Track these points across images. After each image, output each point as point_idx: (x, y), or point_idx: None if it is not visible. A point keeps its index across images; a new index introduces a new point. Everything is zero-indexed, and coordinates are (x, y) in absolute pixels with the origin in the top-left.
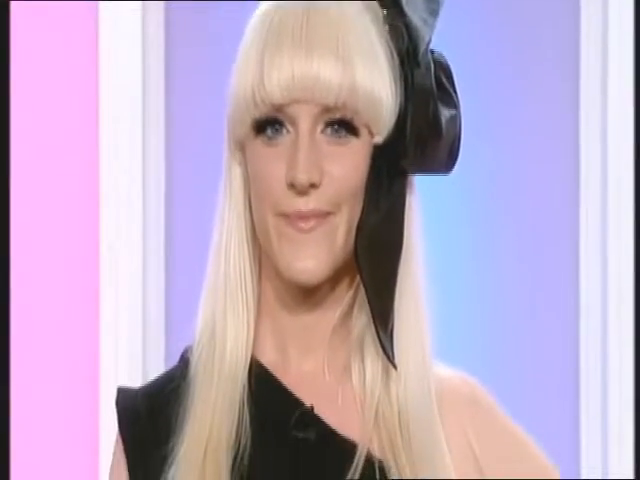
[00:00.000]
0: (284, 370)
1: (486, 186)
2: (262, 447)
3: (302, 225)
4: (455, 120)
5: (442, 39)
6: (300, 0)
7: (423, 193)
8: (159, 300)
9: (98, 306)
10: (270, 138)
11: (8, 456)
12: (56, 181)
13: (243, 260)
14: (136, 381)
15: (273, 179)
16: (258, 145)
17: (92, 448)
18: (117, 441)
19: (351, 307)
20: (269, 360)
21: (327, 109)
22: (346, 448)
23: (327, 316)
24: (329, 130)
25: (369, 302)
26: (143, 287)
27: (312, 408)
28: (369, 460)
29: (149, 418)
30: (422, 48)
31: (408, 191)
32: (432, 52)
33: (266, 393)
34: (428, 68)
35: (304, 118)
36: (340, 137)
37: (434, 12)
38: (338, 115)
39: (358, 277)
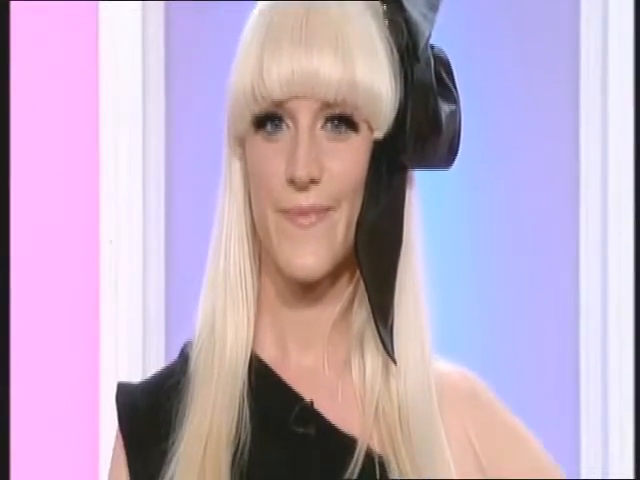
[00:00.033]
0: (284, 366)
1: (486, 185)
2: (262, 443)
3: (302, 221)
4: (455, 115)
5: (442, 38)
6: None
7: (423, 189)
8: (159, 298)
9: (98, 304)
10: (270, 134)
11: (8, 456)
12: (56, 180)
13: (243, 256)
14: (136, 379)
15: (273, 175)
16: (258, 141)
17: (92, 448)
18: (117, 437)
19: (351, 302)
20: (269, 356)
21: (327, 105)
22: (346, 443)
23: (327, 311)
24: (329, 126)
25: (369, 297)
26: (143, 285)
27: (312, 403)
28: (369, 455)
29: (149, 414)
30: (422, 43)
31: (408, 186)
32: (432, 47)
33: (266, 389)
34: (428, 63)
35: (304, 114)
36: (340, 133)
37: (434, 7)
38: (338, 111)
39: (358, 272)
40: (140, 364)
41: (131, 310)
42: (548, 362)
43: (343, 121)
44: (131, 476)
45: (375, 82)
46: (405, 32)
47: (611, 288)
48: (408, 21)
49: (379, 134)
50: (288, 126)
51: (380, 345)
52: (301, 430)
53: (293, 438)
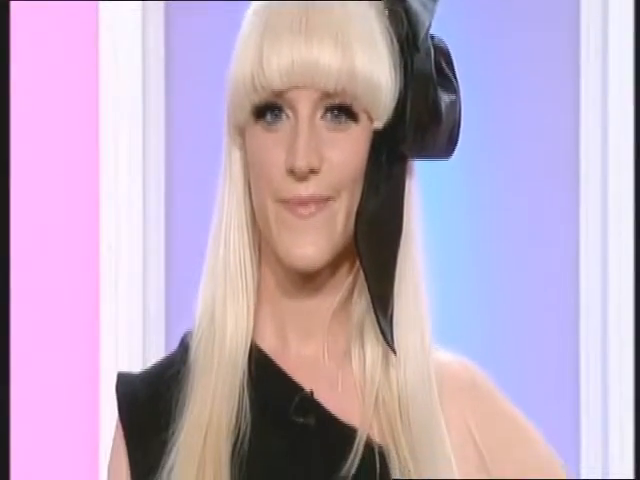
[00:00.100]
0: (284, 356)
1: (486, 175)
2: (262, 432)
3: (302, 211)
4: (455, 105)
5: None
6: None
7: (423, 178)
8: (159, 299)
9: (98, 306)
10: (270, 123)
11: (8, 456)
12: (56, 181)
13: (243, 245)
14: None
15: (272, 165)
16: (258, 130)
17: (92, 448)
18: (117, 427)
19: (351, 292)
20: (269, 345)
21: (327, 94)
22: (346, 433)
23: (327, 301)
24: (329, 116)
25: (369, 287)
26: (143, 287)
27: (312, 393)
28: (369, 445)
29: (149, 403)
30: (422, 33)
31: (408, 176)
32: (432, 37)
33: (266, 378)
34: (428, 53)
35: (304, 103)
36: (340, 123)
37: None
38: (337, 101)
39: (358, 262)
40: (140, 364)
41: (131, 310)
42: (548, 362)
43: (343, 111)
44: (131, 466)
45: (375, 72)
46: (405, 22)
47: (611, 288)
48: (408, 11)
49: (379, 124)
50: (288, 116)
51: (380, 335)
52: (301, 420)
53: (293, 428)
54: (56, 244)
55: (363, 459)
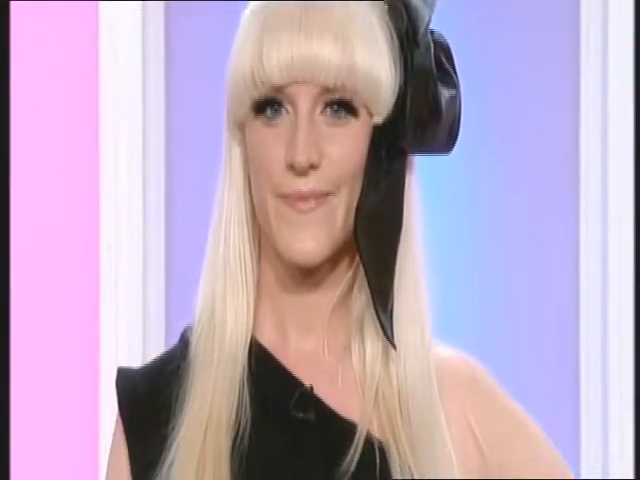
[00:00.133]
0: (284, 351)
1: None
2: (262, 427)
3: (301, 206)
4: (455, 100)
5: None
6: None
7: (423, 174)
8: (159, 299)
9: (98, 306)
10: (269, 118)
11: (8, 456)
12: (56, 181)
13: (242, 240)
14: None
15: (272, 160)
16: (257, 126)
17: (92, 448)
18: (117, 422)
19: (351, 287)
20: (269, 341)
21: (326, 90)
22: (346, 428)
23: (327, 296)
24: (328, 111)
25: (368, 282)
26: (143, 287)
27: (312, 388)
28: (369, 440)
29: (149, 398)
30: (422, 28)
31: (408, 171)
32: (432, 32)
33: (266, 374)
34: (428, 48)
35: (303, 99)
36: (339, 118)
37: None
38: (337, 96)
39: (357, 257)
40: (140, 364)
41: (131, 310)
42: (548, 362)
43: (342, 106)
44: (131, 461)
45: (375, 67)
46: (405, 17)
47: (611, 288)
48: (408, 6)
49: (379, 119)
50: (287, 111)
51: (380, 330)
52: (301, 415)
53: (293, 423)
54: (56, 244)
55: (363, 454)
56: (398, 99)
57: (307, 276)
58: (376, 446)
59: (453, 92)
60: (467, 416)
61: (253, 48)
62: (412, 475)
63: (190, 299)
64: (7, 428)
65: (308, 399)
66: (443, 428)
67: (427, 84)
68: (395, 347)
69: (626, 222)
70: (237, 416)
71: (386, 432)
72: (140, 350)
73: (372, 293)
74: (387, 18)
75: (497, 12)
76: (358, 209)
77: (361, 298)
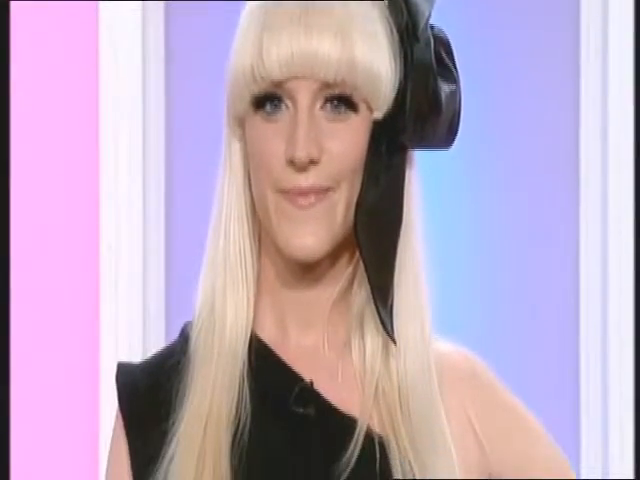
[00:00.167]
0: (284, 346)
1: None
2: (262, 423)
3: (301, 202)
4: (455, 95)
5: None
6: None
7: (423, 169)
8: (159, 299)
9: (98, 306)
10: (269, 114)
11: (8, 456)
12: (56, 181)
13: (242, 235)
14: None
15: (272, 156)
16: (257, 121)
17: (92, 448)
18: (117, 417)
19: (351, 283)
20: (269, 336)
21: (326, 85)
22: (346, 423)
23: (327, 292)
24: (328, 106)
25: (368, 278)
26: (143, 287)
27: (312, 384)
28: (369, 435)
29: (149, 393)
30: (422, 23)
31: (408, 166)
32: (432, 27)
33: (266, 369)
34: (428, 43)
35: (303, 94)
36: (339, 113)
37: None
38: (337, 91)
39: (357, 253)
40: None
41: (131, 310)
42: (548, 362)
43: (342, 101)
44: (131, 456)
45: (374, 62)
46: (405, 12)
47: (611, 288)
48: (408, 1)
49: (379, 114)
50: (287, 106)
51: (380, 325)
52: (301, 410)
53: (293, 418)
54: (56, 244)
55: (363, 449)
56: (398, 94)
57: (307, 272)
58: (376, 441)
59: (453, 87)
60: (467, 411)
61: (253, 44)
62: (412, 470)
63: (190, 299)
64: (7, 428)
65: (308, 394)
66: (443, 423)
67: (427, 79)
68: (395, 342)
69: (626, 222)
70: (237, 411)
71: (386, 427)
72: (140, 350)
73: (372, 289)
74: (387, 13)
75: (497, 7)
76: (358, 204)
77: (361, 294)
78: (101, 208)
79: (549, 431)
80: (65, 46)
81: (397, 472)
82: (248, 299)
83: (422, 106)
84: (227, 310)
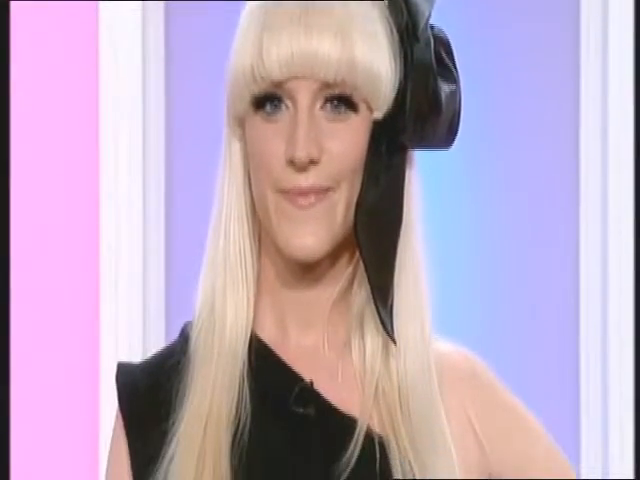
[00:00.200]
0: (284, 346)
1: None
2: (262, 423)
3: (301, 201)
4: (455, 95)
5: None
6: None
7: (423, 169)
8: (159, 299)
9: (98, 306)
10: (269, 114)
11: (8, 456)
12: (56, 181)
13: (242, 235)
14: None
15: (272, 156)
16: (257, 121)
17: (92, 449)
18: (117, 416)
19: (351, 283)
20: (269, 336)
21: (326, 85)
22: (346, 423)
23: (327, 292)
24: (328, 106)
25: (368, 278)
26: (143, 287)
27: (312, 383)
28: (369, 435)
29: (149, 393)
30: (422, 23)
31: (408, 166)
32: (432, 27)
33: (266, 369)
34: (428, 43)
35: (303, 94)
36: (339, 113)
37: None
38: (337, 91)
39: (358, 253)
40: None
41: (131, 310)
42: (548, 362)
43: (342, 101)
44: (131, 456)
45: (374, 62)
46: (405, 12)
47: (611, 288)
48: (408, 1)
49: (379, 114)
50: (287, 106)
51: (380, 326)
52: (301, 410)
53: (293, 418)
54: (56, 244)
55: (363, 449)
56: (398, 94)
57: (307, 272)
58: (376, 441)
59: (453, 87)
60: (467, 411)
61: (253, 44)
62: (412, 469)
63: (190, 299)
64: (7, 428)
65: (308, 394)
66: (443, 423)
67: (427, 79)
68: (395, 342)
69: (626, 222)
70: (237, 411)
71: (386, 427)
72: (140, 350)
73: (372, 289)
74: (387, 13)
75: (497, 7)
76: (358, 204)
77: (361, 294)
78: (101, 208)
79: (549, 431)
80: (65, 46)
81: (397, 472)
82: (248, 299)
83: (422, 106)
84: (227, 310)
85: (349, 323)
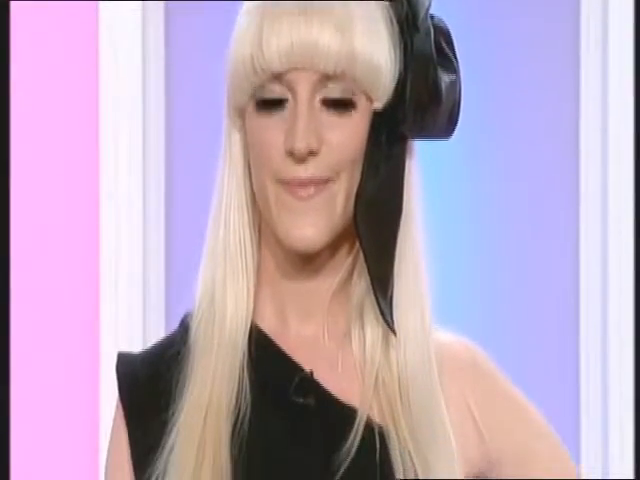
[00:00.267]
0: (284, 336)
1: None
2: (262, 413)
3: (301, 193)
4: (455, 85)
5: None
6: None
7: (423, 159)
8: (159, 300)
9: (98, 306)
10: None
11: (8, 456)
12: (56, 181)
13: (242, 225)
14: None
15: (272, 147)
16: (257, 112)
17: (91, 449)
18: (117, 407)
19: (350, 273)
20: (269, 326)
21: (326, 77)
22: (346, 414)
23: (326, 282)
24: (328, 104)
25: (368, 269)
26: (143, 287)
27: (312, 374)
28: (369, 425)
29: (149, 383)
30: (422, 13)
31: (408, 156)
32: (432, 17)
33: (266, 359)
34: (428, 33)
35: (303, 85)
36: (338, 111)
37: None
38: (337, 93)
39: (357, 243)
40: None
41: (131, 310)
42: (548, 362)
43: (342, 103)
44: (131, 445)
45: (374, 54)
46: (405, 2)
47: (611, 288)
48: None
49: (378, 105)
50: (287, 99)
51: (380, 316)
52: (301, 400)
53: (293, 408)
54: (56, 244)
55: (363, 439)
56: (398, 84)
57: (307, 262)
58: (376, 431)
59: (453, 77)
60: (467, 399)
61: (253, 35)
62: (412, 460)
63: (190, 298)
64: (7, 427)
65: (308, 384)
66: (443, 413)
67: (427, 69)
68: (395, 333)
69: (626, 222)
70: (237, 402)
71: (386, 417)
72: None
73: (372, 279)
74: (387, 3)
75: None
76: (358, 195)
77: (361, 284)
78: (101, 208)
79: None
80: (65, 46)
81: (397, 462)
82: (248, 289)
83: (422, 96)
84: (227, 300)
85: (349, 313)
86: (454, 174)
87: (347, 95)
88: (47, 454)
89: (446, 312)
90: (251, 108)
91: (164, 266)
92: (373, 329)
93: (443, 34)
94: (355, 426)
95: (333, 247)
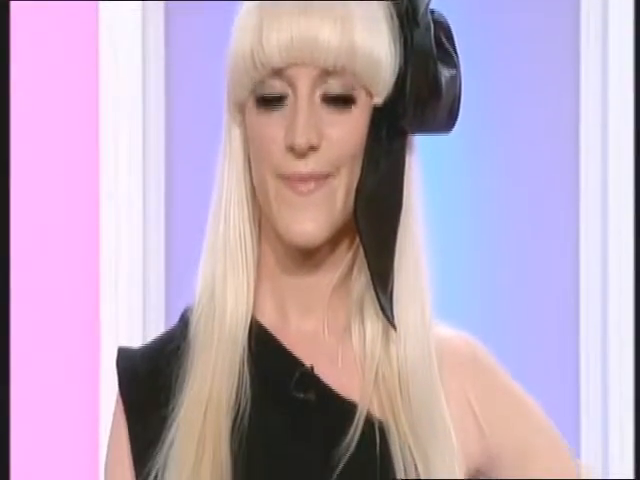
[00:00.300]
0: (284, 331)
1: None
2: (262, 408)
3: (301, 188)
4: (455, 80)
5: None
6: None
7: (423, 153)
8: (159, 299)
9: (98, 306)
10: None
11: (8, 456)
12: (56, 181)
13: (242, 220)
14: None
15: (272, 142)
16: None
17: (91, 449)
18: (117, 401)
19: (350, 268)
20: (269, 321)
21: (326, 72)
22: (346, 408)
23: (327, 277)
24: (328, 100)
25: (368, 264)
26: (143, 287)
27: (312, 368)
28: (369, 420)
29: (149, 378)
30: (422, 8)
31: (408, 151)
32: (432, 12)
33: (266, 354)
34: (428, 28)
35: (303, 81)
36: (338, 107)
37: None
38: (338, 90)
39: (357, 239)
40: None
41: (131, 310)
42: (548, 362)
43: (341, 99)
44: (131, 441)
45: (374, 48)
46: None
47: (611, 287)
48: None
49: (379, 100)
50: (287, 94)
51: (380, 311)
52: (301, 395)
53: (293, 403)
54: (56, 244)
55: (363, 434)
56: (398, 79)
57: (307, 258)
58: (376, 426)
59: (453, 72)
60: (467, 394)
61: (253, 30)
62: (412, 454)
63: (189, 299)
64: (7, 427)
65: (308, 379)
66: (443, 408)
67: (427, 64)
68: (395, 328)
69: (626, 221)
70: (237, 397)
71: (386, 412)
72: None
73: (372, 275)
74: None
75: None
76: (358, 190)
77: (361, 279)
78: (101, 208)
79: None
80: (65, 46)
81: (397, 457)
82: (248, 284)
83: (422, 91)
84: (227, 295)
85: (349, 308)
86: (454, 169)
87: (347, 91)
88: (47, 454)
89: (446, 307)
90: (251, 104)
91: (164, 266)
92: (373, 324)
93: (443, 29)
94: (355, 421)
95: (333, 242)
